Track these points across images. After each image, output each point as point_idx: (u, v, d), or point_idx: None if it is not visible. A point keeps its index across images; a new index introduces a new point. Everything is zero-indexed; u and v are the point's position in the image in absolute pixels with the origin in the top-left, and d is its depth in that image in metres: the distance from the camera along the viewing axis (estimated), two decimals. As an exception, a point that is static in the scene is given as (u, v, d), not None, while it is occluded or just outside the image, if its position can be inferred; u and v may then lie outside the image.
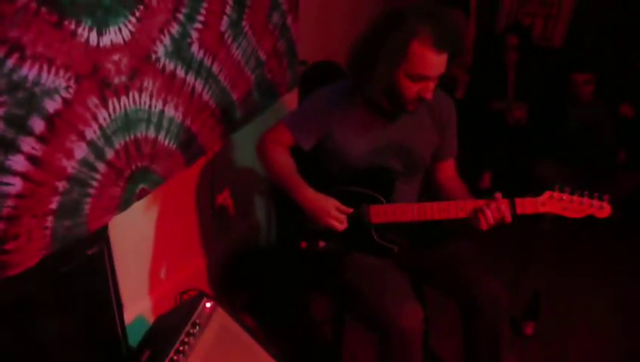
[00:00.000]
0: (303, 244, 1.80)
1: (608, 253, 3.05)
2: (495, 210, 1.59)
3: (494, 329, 1.70)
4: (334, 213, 1.68)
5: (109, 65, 1.44)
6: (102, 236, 1.57)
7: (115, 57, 1.45)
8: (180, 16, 1.66)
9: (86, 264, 1.53)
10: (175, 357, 1.50)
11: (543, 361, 2.27)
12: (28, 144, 1.27)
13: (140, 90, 1.58)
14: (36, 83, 1.24)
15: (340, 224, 1.69)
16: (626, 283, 2.79)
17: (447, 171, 1.87)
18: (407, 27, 1.52)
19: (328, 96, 1.75)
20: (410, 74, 1.57)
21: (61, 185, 1.39)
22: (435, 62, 1.55)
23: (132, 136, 1.60)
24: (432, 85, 1.60)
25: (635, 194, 3.16)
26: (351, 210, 1.71)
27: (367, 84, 1.62)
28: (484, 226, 1.61)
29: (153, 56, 1.59)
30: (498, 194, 1.61)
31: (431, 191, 1.89)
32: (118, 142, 1.56)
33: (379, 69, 1.57)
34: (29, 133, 1.27)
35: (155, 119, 1.68)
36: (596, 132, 3.26)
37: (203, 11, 1.75)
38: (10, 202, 1.26)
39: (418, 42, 1.52)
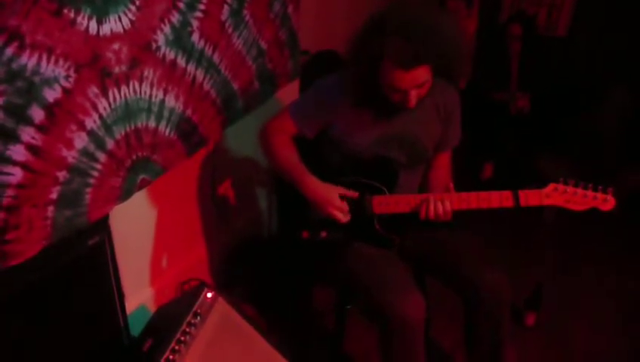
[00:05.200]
0: (305, 234, 1.80)
1: (611, 244, 3.04)
2: (446, 203, 1.62)
3: (496, 319, 1.70)
4: (337, 203, 1.68)
5: (109, 55, 1.43)
6: (103, 226, 1.57)
7: (115, 46, 1.44)
8: (181, 5, 1.64)
9: (87, 254, 1.53)
10: (177, 347, 1.50)
11: (544, 352, 2.27)
12: (28, 134, 1.26)
13: (141, 80, 1.57)
14: (36, 72, 1.23)
15: (343, 216, 1.69)
16: (628, 274, 2.78)
17: (441, 160, 1.86)
18: (380, 41, 1.50)
19: (333, 85, 1.74)
20: (386, 84, 1.56)
21: (61, 175, 1.39)
22: (407, 77, 1.51)
23: (133, 126, 1.60)
24: (412, 95, 1.54)
25: (636, 192, 3.15)
26: (356, 194, 1.71)
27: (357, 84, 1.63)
28: (422, 216, 1.64)
29: (154, 45, 1.58)
30: (451, 185, 1.64)
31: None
32: (119, 132, 1.55)
33: (362, 72, 1.58)
34: (29, 122, 1.26)
35: (155, 109, 1.67)
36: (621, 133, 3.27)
37: (204, 0, 1.73)
38: (10, 192, 1.26)
39: (387, 59, 1.50)
